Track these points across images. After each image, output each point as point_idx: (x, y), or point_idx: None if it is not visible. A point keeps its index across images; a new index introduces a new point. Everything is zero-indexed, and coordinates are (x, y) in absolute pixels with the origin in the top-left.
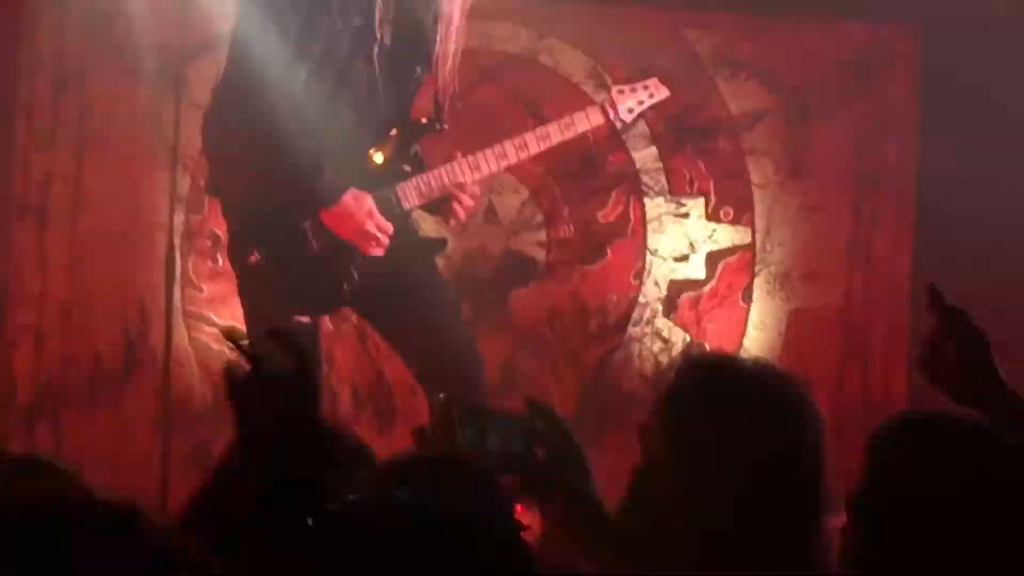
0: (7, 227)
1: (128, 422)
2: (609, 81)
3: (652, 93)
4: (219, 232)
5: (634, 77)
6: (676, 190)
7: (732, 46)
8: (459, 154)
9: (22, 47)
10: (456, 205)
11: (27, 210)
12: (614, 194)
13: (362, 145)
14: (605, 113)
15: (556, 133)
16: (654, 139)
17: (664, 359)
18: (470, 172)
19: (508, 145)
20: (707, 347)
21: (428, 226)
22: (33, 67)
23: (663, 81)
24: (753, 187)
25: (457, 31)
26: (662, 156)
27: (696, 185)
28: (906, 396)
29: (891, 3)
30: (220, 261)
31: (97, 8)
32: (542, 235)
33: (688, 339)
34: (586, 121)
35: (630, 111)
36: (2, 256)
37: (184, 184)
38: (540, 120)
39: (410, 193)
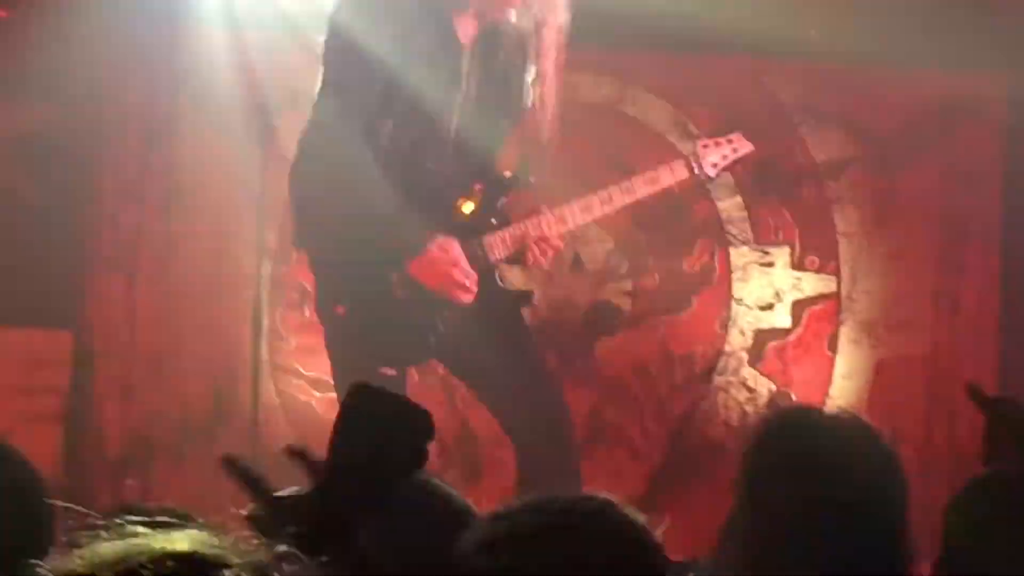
0: (96, 281)
1: (216, 474)
2: (693, 130)
3: (736, 148)
4: (306, 284)
5: (718, 126)
6: (761, 239)
7: (816, 95)
8: (545, 207)
9: (110, 102)
10: (538, 253)
11: (116, 264)
12: (699, 243)
13: (448, 197)
14: (690, 167)
15: (641, 187)
16: (739, 188)
17: (750, 409)
18: (556, 225)
19: (593, 199)
20: (793, 397)
21: (515, 277)
22: (121, 121)
23: (747, 132)
24: (838, 236)
25: (552, 87)
26: (747, 205)
27: (781, 234)
28: None
29: (976, 52)
30: (307, 313)
31: (183, 63)
32: (628, 285)
33: (774, 388)
34: (671, 175)
35: (714, 165)
36: (92, 309)
37: (271, 236)
38: (625, 171)
39: (496, 246)
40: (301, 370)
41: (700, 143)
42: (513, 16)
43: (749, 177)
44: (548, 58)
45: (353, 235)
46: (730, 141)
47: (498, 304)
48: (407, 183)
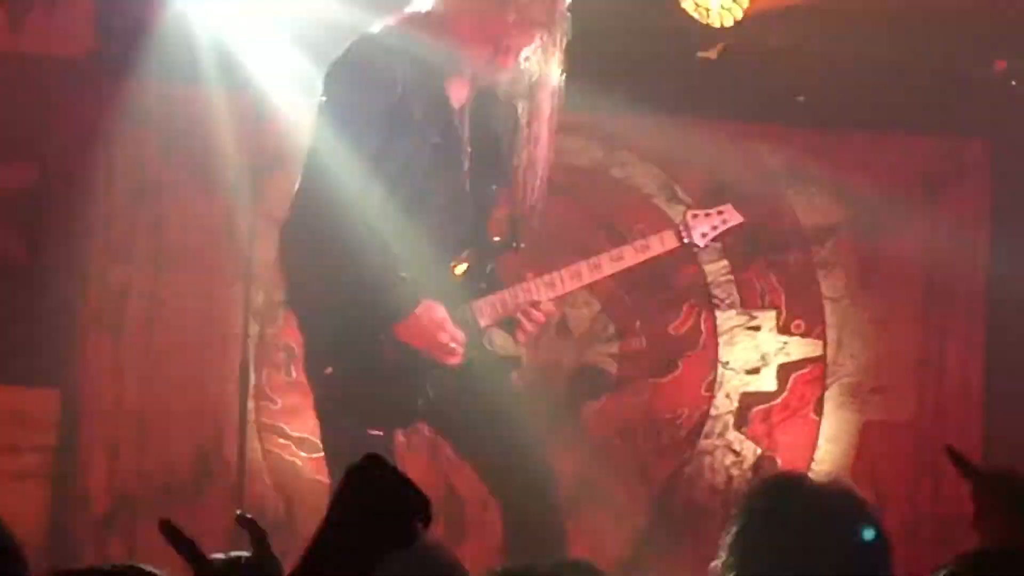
0: (83, 338)
1: (202, 534)
2: (682, 194)
3: (726, 219)
4: (293, 345)
5: (706, 190)
6: (747, 303)
7: (803, 160)
8: (531, 275)
9: (99, 159)
10: (526, 322)
11: (103, 322)
12: (685, 307)
13: (438, 260)
14: (679, 237)
15: (631, 255)
16: (725, 252)
17: (736, 472)
18: (545, 291)
19: (583, 266)
20: (778, 460)
21: (503, 341)
22: (110, 180)
23: (735, 198)
24: (824, 300)
25: (544, 150)
26: (733, 269)
27: (767, 298)
28: None
29: (961, 118)
30: (294, 373)
31: (173, 122)
32: (614, 348)
33: (759, 452)
34: (660, 244)
35: (704, 235)
36: (79, 368)
37: (258, 297)
38: (613, 233)
39: (485, 310)
40: (287, 430)
41: (690, 213)
42: (506, 79)
43: (736, 241)
44: (541, 121)
45: (342, 296)
46: (720, 212)
47: (487, 368)
48: (396, 246)
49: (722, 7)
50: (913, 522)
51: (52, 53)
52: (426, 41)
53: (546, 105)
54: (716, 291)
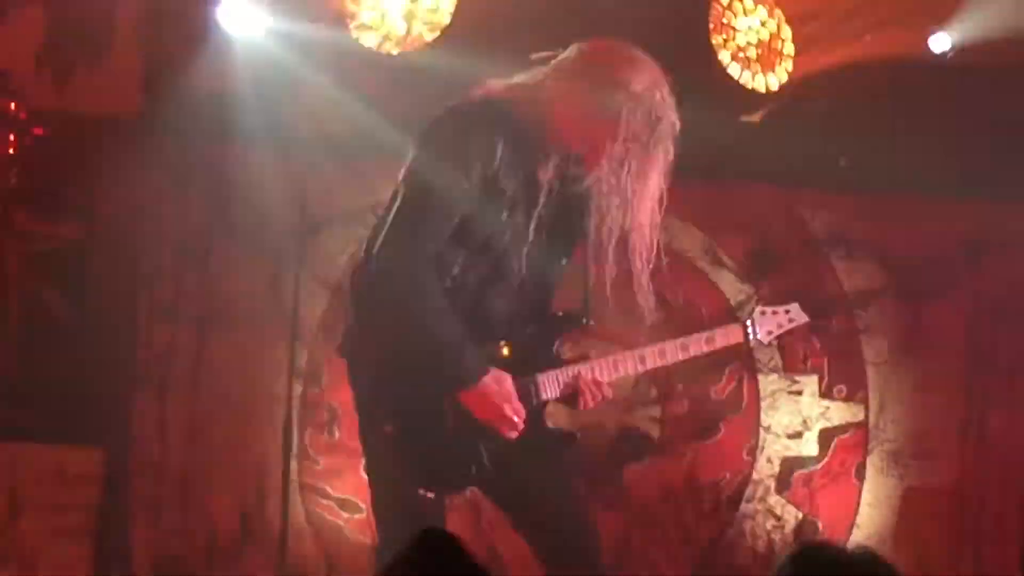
0: (128, 398)
1: None
2: (724, 258)
3: (793, 319)
4: (336, 404)
5: (748, 254)
6: (790, 367)
7: (846, 224)
8: (595, 353)
9: (145, 221)
10: (590, 397)
11: (148, 381)
12: (728, 370)
13: (506, 333)
14: (745, 333)
15: (696, 346)
16: None
17: (777, 536)
18: (609, 372)
19: (648, 352)
20: (819, 525)
21: (559, 414)
22: (156, 240)
23: (778, 263)
24: (867, 365)
25: (645, 237)
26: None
27: (810, 362)
28: None
29: (1005, 184)
30: (337, 434)
31: (219, 182)
32: (656, 411)
33: (800, 516)
34: (726, 338)
35: (769, 333)
36: (123, 427)
37: (302, 357)
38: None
39: (549, 386)
40: (329, 491)
41: (758, 310)
42: (590, 178)
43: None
44: (642, 211)
45: (411, 355)
46: (787, 312)
47: (542, 442)
48: (468, 315)
49: (767, 71)
50: None
51: (98, 112)
52: (526, 122)
53: (647, 197)
54: (759, 355)
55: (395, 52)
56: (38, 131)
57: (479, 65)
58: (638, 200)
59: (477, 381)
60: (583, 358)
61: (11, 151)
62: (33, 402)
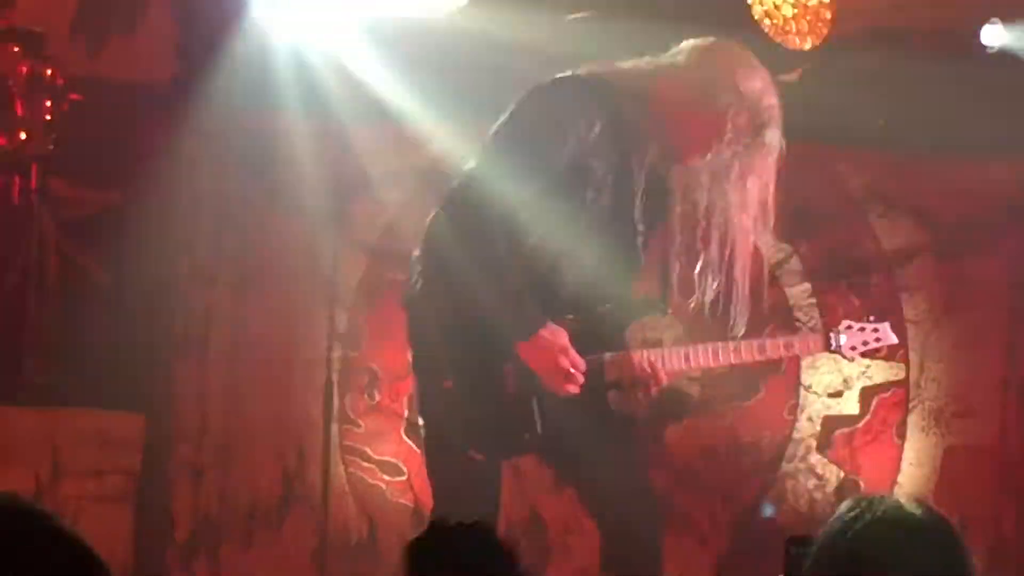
0: (168, 362)
1: (286, 558)
2: None
3: (880, 338)
4: (376, 367)
5: (788, 213)
6: (829, 325)
7: (884, 183)
8: (670, 343)
9: (183, 185)
10: (643, 391)
11: (187, 346)
12: (768, 329)
13: (571, 309)
14: (827, 347)
15: (773, 350)
16: (807, 275)
17: (818, 495)
18: (678, 362)
19: (723, 348)
20: (861, 484)
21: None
22: (194, 204)
23: (817, 222)
24: (907, 323)
25: (741, 233)
26: (815, 291)
27: (850, 319)
28: None
29: None
30: (377, 397)
31: (255, 147)
32: (696, 371)
33: (842, 475)
34: (807, 349)
35: (853, 348)
36: (163, 392)
37: (342, 320)
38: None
39: (615, 366)
40: (370, 454)
41: (845, 323)
42: (681, 171)
43: (818, 264)
44: (743, 218)
45: (473, 309)
46: (875, 330)
47: (603, 418)
48: (538, 285)
49: (805, 29)
50: (996, 545)
51: (133, 78)
52: (628, 106)
53: (734, 204)
54: (798, 314)
55: (432, 15)
56: (74, 97)
57: (513, 29)
58: (738, 205)
59: (535, 332)
60: (656, 345)
61: (48, 117)
62: (73, 368)
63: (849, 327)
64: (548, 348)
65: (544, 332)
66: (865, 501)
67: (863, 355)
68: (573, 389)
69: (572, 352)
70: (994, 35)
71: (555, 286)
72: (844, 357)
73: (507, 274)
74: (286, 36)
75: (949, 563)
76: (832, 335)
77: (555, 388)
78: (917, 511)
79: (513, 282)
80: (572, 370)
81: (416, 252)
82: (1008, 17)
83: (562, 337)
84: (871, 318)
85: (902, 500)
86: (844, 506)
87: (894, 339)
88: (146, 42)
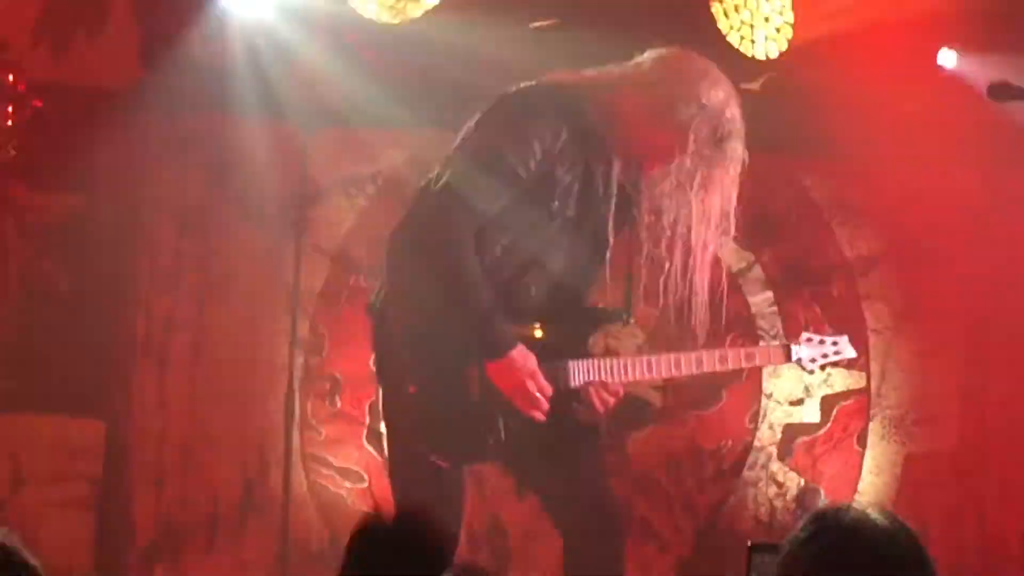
0: (129, 369)
1: (247, 564)
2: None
3: (839, 351)
4: (337, 374)
5: (750, 221)
6: (791, 334)
7: (847, 192)
8: (625, 353)
9: (145, 192)
10: (597, 398)
11: (148, 352)
12: (729, 338)
13: (535, 319)
14: (788, 357)
15: (734, 360)
16: (770, 283)
17: (779, 503)
18: (642, 371)
19: (684, 358)
20: (822, 492)
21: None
22: (156, 211)
23: (779, 230)
24: (868, 331)
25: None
26: (777, 300)
27: (811, 329)
28: (1021, 542)
29: (1005, 150)
30: (338, 403)
31: (218, 153)
32: (659, 380)
33: (803, 483)
34: (767, 359)
35: (812, 360)
36: (124, 398)
37: (303, 326)
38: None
39: (579, 374)
40: (331, 460)
41: (805, 335)
42: (643, 183)
43: (780, 272)
44: (705, 229)
45: (441, 319)
46: (835, 343)
47: (567, 426)
48: (502, 296)
49: (767, 38)
50: (957, 554)
51: (96, 83)
52: (593, 116)
53: (696, 213)
54: (761, 322)
55: (394, 21)
56: (37, 103)
57: (477, 34)
58: (700, 214)
59: (505, 353)
60: (615, 354)
61: (9, 123)
62: (34, 374)
63: (809, 339)
64: (518, 371)
65: (514, 354)
66: (831, 510)
67: (822, 368)
68: (538, 415)
69: (540, 377)
70: (949, 59)
71: (520, 294)
72: (804, 369)
73: (477, 291)
74: (248, 43)
75: (914, 572)
76: (793, 347)
77: (520, 408)
78: (882, 520)
79: (484, 299)
80: (538, 395)
81: (381, 261)
82: (963, 46)
83: (532, 361)
84: (830, 331)
85: (867, 509)
86: (809, 515)
87: (853, 353)
88: (108, 48)
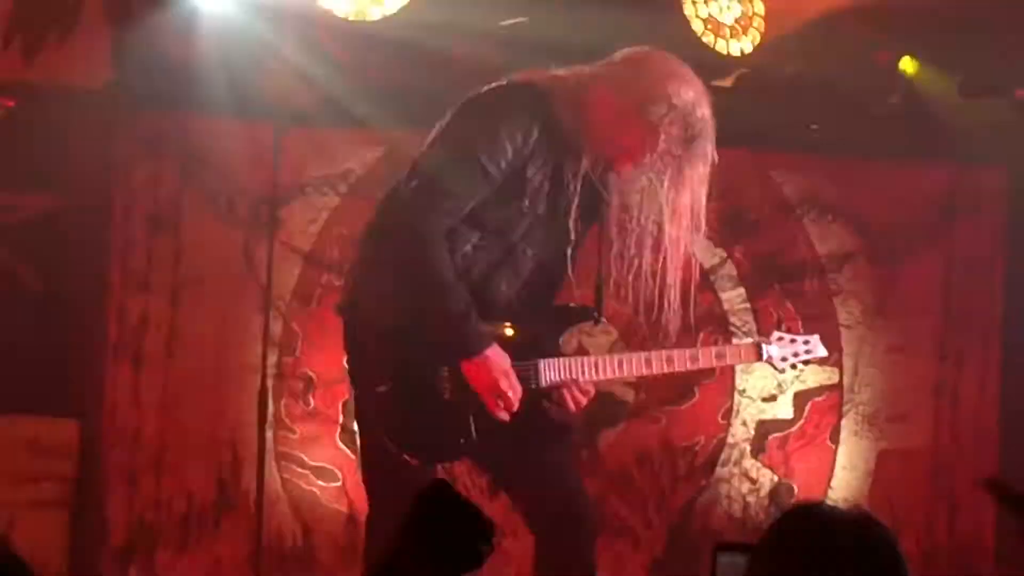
0: (102, 369)
1: (221, 562)
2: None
3: (810, 351)
4: (311, 373)
5: (723, 218)
6: (764, 331)
7: (819, 188)
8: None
9: (117, 190)
10: (569, 397)
11: (122, 351)
12: (702, 335)
13: (505, 317)
14: (759, 356)
15: (706, 359)
16: (742, 280)
17: (752, 499)
18: (613, 370)
19: (655, 357)
20: (795, 488)
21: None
22: (127, 211)
23: (751, 227)
24: (840, 328)
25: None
26: (750, 297)
27: (784, 326)
28: (994, 539)
29: (976, 146)
30: (312, 403)
31: (190, 152)
32: (630, 379)
33: (776, 480)
34: (738, 357)
35: (783, 359)
36: (98, 398)
37: (277, 325)
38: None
39: (550, 373)
40: (305, 459)
41: (776, 334)
42: (612, 181)
43: (752, 269)
44: (677, 227)
45: (413, 318)
46: (806, 342)
47: (538, 425)
48: (473, 294)
49: (737, 34)
50: (929, 549)
51: (68, 83)
52: (564, 116)
53: (667, 212)
54: (733, 319)
55: (365, 20)
56: (8, 103)
57: (448, 33)
58: (670, 213)
59: (480, 351)
60: (587, 352)
61: None
62: (7, 374)
63: (780, 338)
64: (492, 369)
65: (490, 352)
66: (804, 507)
67: (793, 367)
68: (503, 415)
69: (513, 378)
70: (910, 66)
71: (491, 293)
72: (775, 368)
73: (453, 290)
74: (219, 42)
75: (886, 568)
76: (764, 346)
77: (489, 408)
78: (855, 516)
79: (460, 298)
80: (509, 394)
81: (352, 260)
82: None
83: (506, 361)
84: (803, 328)
85: (839, 506)
86: (781, 513)
87: (824, 352)
88: (81, 48)
